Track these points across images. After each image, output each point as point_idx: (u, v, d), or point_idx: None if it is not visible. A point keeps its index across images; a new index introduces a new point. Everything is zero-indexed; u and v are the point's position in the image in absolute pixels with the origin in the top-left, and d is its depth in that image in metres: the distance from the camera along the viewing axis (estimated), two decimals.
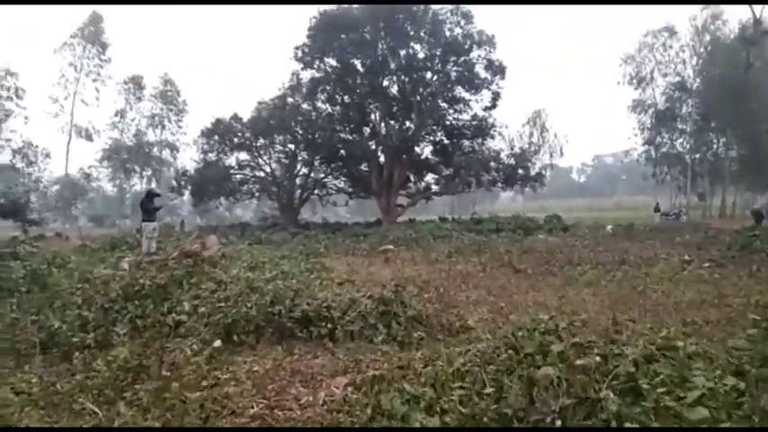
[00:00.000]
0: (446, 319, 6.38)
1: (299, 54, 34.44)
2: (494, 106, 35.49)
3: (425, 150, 38.38)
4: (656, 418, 2.64)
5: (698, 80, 44.27)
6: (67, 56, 40.76)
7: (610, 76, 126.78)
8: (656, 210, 35.67)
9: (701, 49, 43.44)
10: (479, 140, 36.93)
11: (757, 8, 32.59)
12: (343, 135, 34.96)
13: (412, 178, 38.44)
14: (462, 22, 33.23)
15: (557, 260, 12.89)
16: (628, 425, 2.50)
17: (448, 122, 36.09)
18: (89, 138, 42.14)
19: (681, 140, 46.83)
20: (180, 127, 47.70)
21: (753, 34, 34.24)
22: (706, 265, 11.73)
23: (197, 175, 36.82)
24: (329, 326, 5.66)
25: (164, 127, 47.20)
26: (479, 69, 34.20)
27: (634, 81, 46.71)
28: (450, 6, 33.09)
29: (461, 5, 33.13)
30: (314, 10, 33.41)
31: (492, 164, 35.46)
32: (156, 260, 9.92)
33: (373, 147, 35.30)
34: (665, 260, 12.51)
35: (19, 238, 17.03)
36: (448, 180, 36.64)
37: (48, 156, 41.18)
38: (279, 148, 37.64)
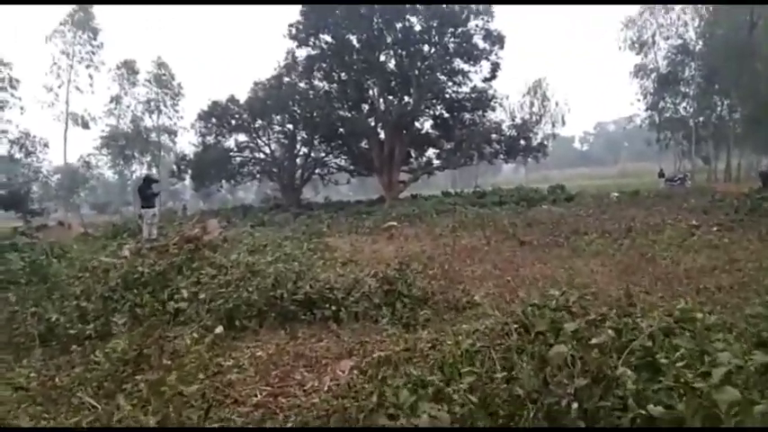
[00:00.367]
0: (452, 295, 6.24)
1: (294, 31, 33.86)
2: (493, 77, 35.00)
3: (425, 125, 38.07)
4: (677, 396, 2.49)
5: (700, 42, 43.31)
6: (59, 43, 40.11)
7: (611, 42, 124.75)
8: (661, 175, 35.28)
9: (703, 10, 42.44)
10: (480, 113, 36.52)
11: None
12: (341, 112, 34.61)
13: (413, 154, 38.15)
14: None
15: (562, 231, 12.74)
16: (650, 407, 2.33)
17: (447, 95, 35.62)
18: (86, 125, 41.69)
19: (684, 104, 46.04)
20: (176, 111, 47.18)
21: None
22: (714, 229, 11.56)
23: (196, 159, 36.66)
24: (333, 307, 5.53)
25: (160, 112, 46.67)
26: (478, 40, 33.64)
27: (636, 45, 45.72)
28: None
29: None
30: None
31: (493, 136, 35.09)
32: (156, 246, 9.77)
33: (372, 123, 34.95)
34: (672, 226, 12.33)
35: (18, 229, 16.93)
36: (449, 154, 36.32)
37: (46, 145, 40.84)
38: (277, 128, 37.31)
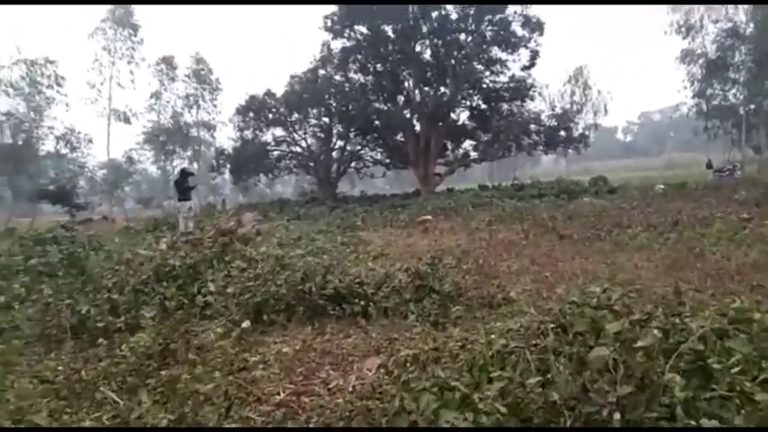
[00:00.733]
0: (486, 291, 6.00)
1: (329, 23, 33.81)
2: (532, 65, 34.10)
3: (462, 116, 37.48)
4: (733, 408, 2.24)
5: (752, 25, 41.12)
6: (101, 40, 41.11)
7: (656, 26, 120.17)
8: (709, 166, 33.75)
9: None
10: (518, 102, 35.70)
11: None
12: (377, 105, 34.44)
13: (449, 146, 37.66)
14: None
15: (604, 224, 12.24)
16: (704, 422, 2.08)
17: (484, 85, 34.92)
18: (127, 121, 42.77)
19: (734, 91, 43.72)
20: (215, 106, 47.83)
21: None
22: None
23: (235, 154, 37.18)
24: (362, 303, 5.39)
25: (199, 107, 47.45)
26: (516, 27, 32.78)
27: (682, 30, 43.69)
28: None
29: None
30: None
31: (532, 126, 34.27)
32: (191, 239, 9.87)
33: (408, 115, 34.64)
34: (721, 219, 11.69)
35: (59, 222, 17.51)
36: (486, 146, 35.67)
37: (90, 141, 42.05)
38: (313, 122, 37.44)
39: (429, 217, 17.39)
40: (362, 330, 4.95)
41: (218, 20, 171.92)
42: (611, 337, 2.65)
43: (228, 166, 37.71)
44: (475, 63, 33.38)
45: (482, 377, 2.77)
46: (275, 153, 37.98)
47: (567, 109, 43.54)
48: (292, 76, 37.27)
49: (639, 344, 2.44)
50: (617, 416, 2.22)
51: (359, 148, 38.93)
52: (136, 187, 63.83)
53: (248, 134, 37.41)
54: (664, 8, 43.73)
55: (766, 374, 2.47)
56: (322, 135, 37.90)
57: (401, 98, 35.00)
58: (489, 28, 32.69)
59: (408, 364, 3.68)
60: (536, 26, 32.60)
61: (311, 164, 38.23)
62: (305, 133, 37.87)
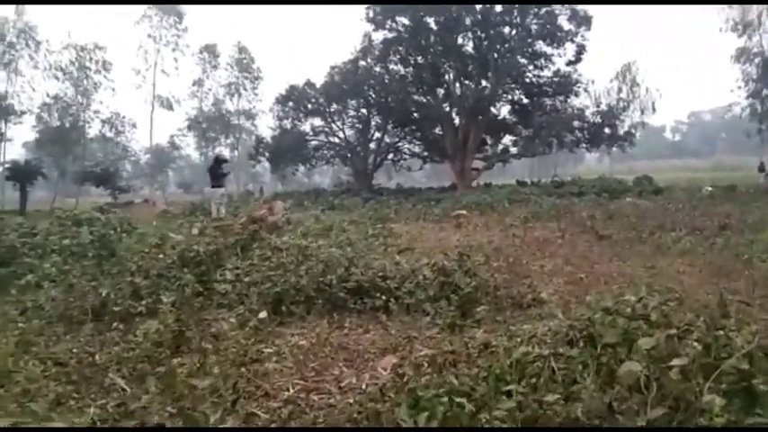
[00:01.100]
0: (516, 290, 5.74)
1: (371, 14, 33.57)
2: (578, 60, 33.03)
3: (503, 110, 36.72)
4: None
5: None
6: (146, 27, 42.22)
7: (709, 24, 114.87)
8: (761, 170, 31.93)
9: None
10: (562, 98, 34.68)
11: None
12: (416, 97, 34.07)
13: (488, 140, 36.97)
14: None
15: (646, 225, 11.70)
16: None
17: (527, 80, 34.06)
18: (170, 107, 43.87)
19: None
20: (256, 94, 48.46)
21: None
22: None
23: (273, 143, 37.53)
24: (384, 297, 5.22)
25: (240, 95, 48.15)
26: (562, 21, 31.79)
27: (738, 27, 41.62)
28: None
29: None
30: None
31: (575, 123, 33.26)
32: (221, 225, 9.91)
33: (447, 108, 34.15)
34: None
35: (95, 204, 17.96)
36: (527, 141, 34.80)
37: (134, 126, 43.41)
38: (352, 113, 37.48)
39: (463, 212, 17.07)
40: (382, 326, 4.79)
41: (260, 9, 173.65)
42: (643, 353, 2.38)
43: (267, 154, 38.08)
44: (518, 57, 32.52)
45: (499, 386, 2.55)
46: (313, 143, 38.18)
47: (612, 106, 41.97)
48: (332, 67, 37.39)
49: (675, 362, 2.18)
50: None
51: (396, 140, 38.74)
52: (179, 172, 65.50)
53: (287, 123, 37.72)
54: (717, 6, 41.70)
55: None
56: (360, 126, 37.88)
57: (441, 91, 34.50)
58: (534, 21, 31.77)
59: (424, 366, 3.50)
60: (583, 20, 31.55)
61: (348, 155, 38.29)
62: (343, 124, 37.95)
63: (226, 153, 44.35)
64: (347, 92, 34.64)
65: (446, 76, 34.08)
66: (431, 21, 32.49)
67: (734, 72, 45.24)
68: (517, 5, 31.00)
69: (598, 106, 39.56)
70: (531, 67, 33.71)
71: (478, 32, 32.48)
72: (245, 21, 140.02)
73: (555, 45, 32.65)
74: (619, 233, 10.90)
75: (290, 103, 37.04)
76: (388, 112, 33.91)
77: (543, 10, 31.10)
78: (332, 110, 36.72)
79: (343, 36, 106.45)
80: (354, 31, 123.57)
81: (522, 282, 6.34)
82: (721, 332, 2.71)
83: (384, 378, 3.49)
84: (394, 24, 33.42)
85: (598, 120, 34.10)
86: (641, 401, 2.15)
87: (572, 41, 32.27)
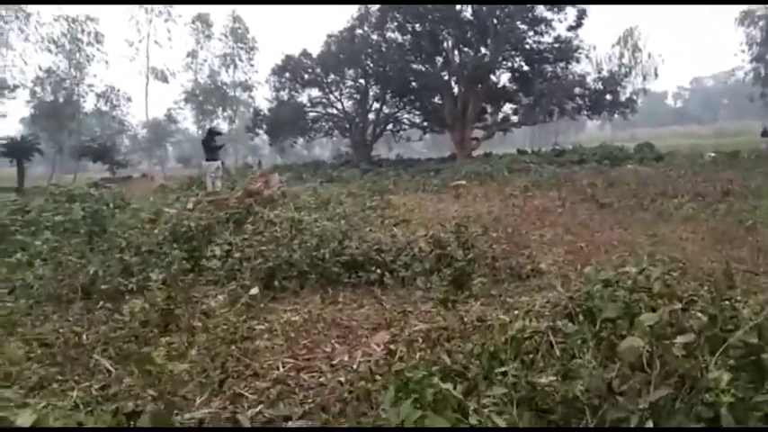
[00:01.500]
0: (515, 261, 5.63)
1: None
2: (579, 25, 32.14)
3: (502, 78, 35.92)
4: None
5: None
6: None
7: None
8: (764, 134, 31.52)
9: None
10: (563, 65, 33.93)
11: None
12: (414, 66, 33.42)
13: (488, 109, 36.41)
14: None
15: (648, 193, 11.54)
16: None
17: (527, 46, 33.23)
18: (165, 80, 43.18)
19: None
20: (252, 65, 47.58)
21: None
22: None
23: (271, 115, 37.03)
24: (379, 271, 5.10)
25: (236, 66, 47.30)
26: None
27: None
28: None
29: None
30: None
31: (577, 90, 32.68)
32: (216, 200, 9.74)
33: (446, 77, 33.52)
34: None
35: (90, 180, 17.76)
36: (527, 109, 34.31)
37: (129, 99, 42.74)
38: (350, 83, 36.91)
39: (463, 182, 16.89)
40: (377, 300, 4.68)
41: None
42: (644, 328, 2.25)
43: (265, 126, 37.64)
44: (518, 22, 31.67)
45: (494, 365, 2.43)
46: (311, 114, 37.71)
47: (614, 72, 41.25)
48: (329, 36, 36.65)
49: (680, 339, 2.05)
50: (650, 423, 1.87)
51: (395, 110, 38.19)
52: (178, 146, 64.91)
53: (284, 95, 37.20)
54: None
55: None
56: (358, 96, 37.34)
57: (439, 59, 33.78)
58: None
59: (418, 341, 3.40)
60: None
61: (347, 126, 37.84)
62: (341, 95, 37.42)
63: (224, 126, 43.80)
64: (344, 61, 34.04)
65: (444, 44, 33.32)
66: None
67: (737, 35, 44.41)
68: None
69: (599, 72, 38.93)
70: (530, 33, 32.83)
71: None
72: None
73: (555, 10, 31.73)
74: (620, 201, 10.75)
75: (287, 74, 36.43)
76: (387, 81, 33.35)
77: None
78: (329, 80, 36.15)
79: (339, 3, 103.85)
80: None
81: (522, 252, 6.23)
82: (727, 303, 2.58)
83: (377, 355, 3.39)
84: None
85: (599, 86, 33.52)
86: (644, 380, 2.03)
87: (573, 6, 31.43)
